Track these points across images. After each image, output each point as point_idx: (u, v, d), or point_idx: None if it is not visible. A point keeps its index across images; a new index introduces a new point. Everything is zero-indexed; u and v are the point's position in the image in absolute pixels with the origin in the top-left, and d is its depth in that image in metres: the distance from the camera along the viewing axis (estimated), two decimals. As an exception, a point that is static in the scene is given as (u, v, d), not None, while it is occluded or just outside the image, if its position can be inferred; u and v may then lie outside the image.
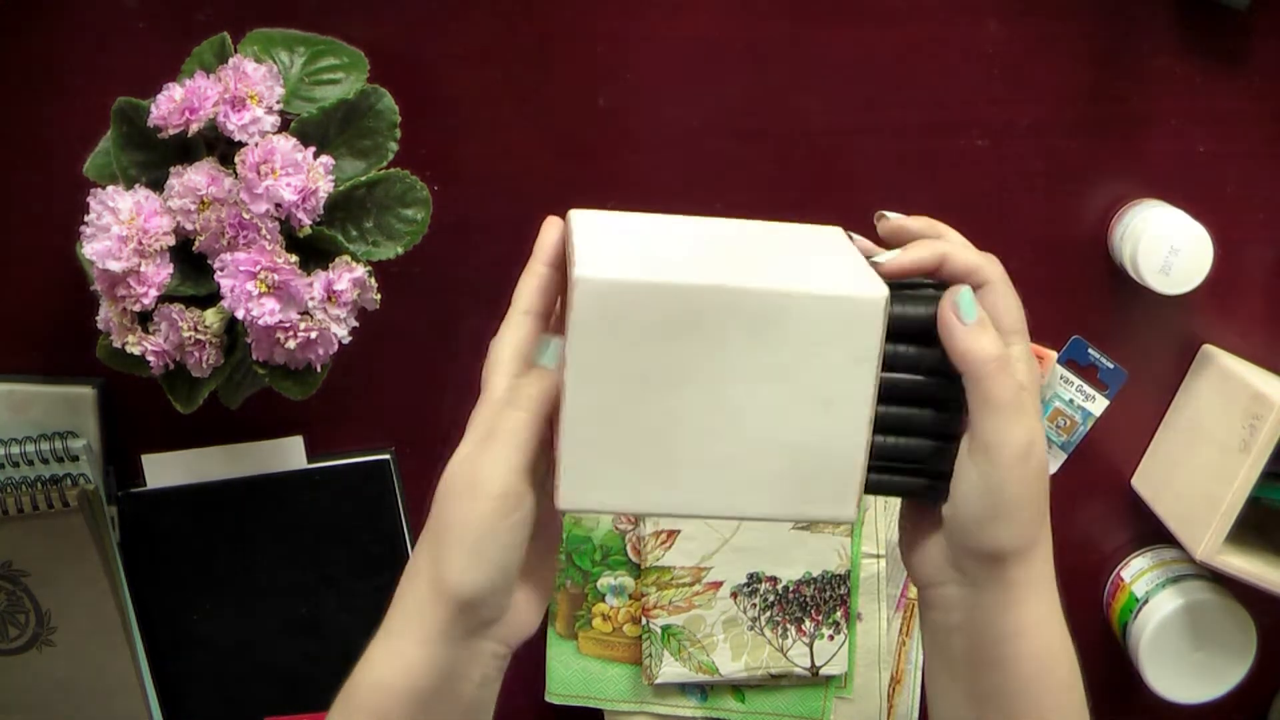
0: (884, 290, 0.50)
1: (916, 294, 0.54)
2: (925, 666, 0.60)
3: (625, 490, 0.47)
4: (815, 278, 0.49)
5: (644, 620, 0.87)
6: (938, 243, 0.56)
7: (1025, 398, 0.52)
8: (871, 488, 0.54)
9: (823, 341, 0.49)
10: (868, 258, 0.55)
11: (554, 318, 0.56)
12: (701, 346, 0.46)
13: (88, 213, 0.67)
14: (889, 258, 0.55)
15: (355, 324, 0.71)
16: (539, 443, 0.50)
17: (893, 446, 0.54)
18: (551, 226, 0.56)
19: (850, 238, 0.58)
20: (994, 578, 0.54)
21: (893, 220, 0.59)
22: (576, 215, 0.54)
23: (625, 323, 0.45)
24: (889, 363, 0.52)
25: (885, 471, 0.54)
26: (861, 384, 0.50)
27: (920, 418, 0.54)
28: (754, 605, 0.87)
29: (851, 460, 0.51)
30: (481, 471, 0.49)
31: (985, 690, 0.56)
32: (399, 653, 0.51)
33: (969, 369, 0.52)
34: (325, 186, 0.68)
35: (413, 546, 0.86)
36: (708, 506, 0.49)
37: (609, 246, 0.48)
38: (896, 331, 0.52)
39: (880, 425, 0.52)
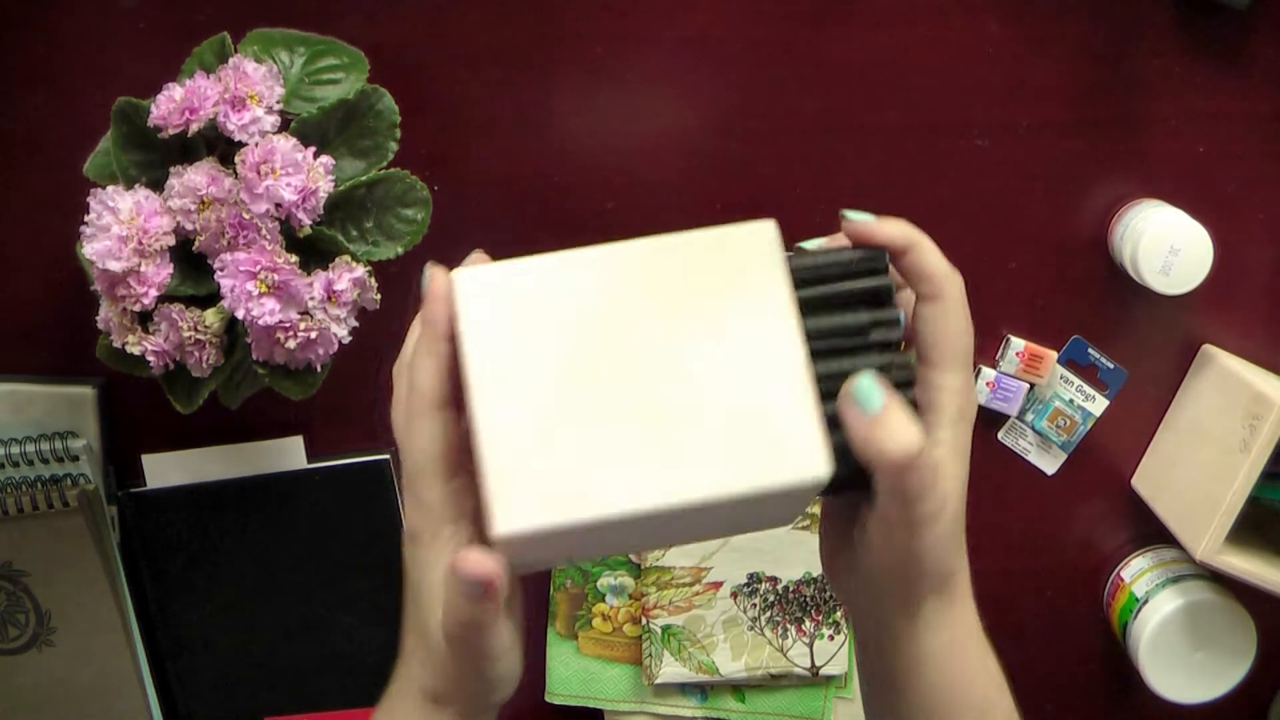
0: (822, 467, 0.42)
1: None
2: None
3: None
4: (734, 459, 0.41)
5: (644, 620, 0.87)
6: (912, 230, 0.50)
7: (948, 506, 0.47)
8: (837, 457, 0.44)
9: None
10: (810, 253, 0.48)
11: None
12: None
13: (88, 213, 0.67)
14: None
15: (355, 324, 0.71)
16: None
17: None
18: (439, 284, 0.46)
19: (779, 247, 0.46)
20: (901, 610, 0.51)
21: (857, 222, 0.50)
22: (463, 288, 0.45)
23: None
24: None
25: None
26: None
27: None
28: (754, 605, 0.87)
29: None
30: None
31: (892, 711, 0.53)
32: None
33: (879, 472, 0.45)
34: (325, 186, 0.68)
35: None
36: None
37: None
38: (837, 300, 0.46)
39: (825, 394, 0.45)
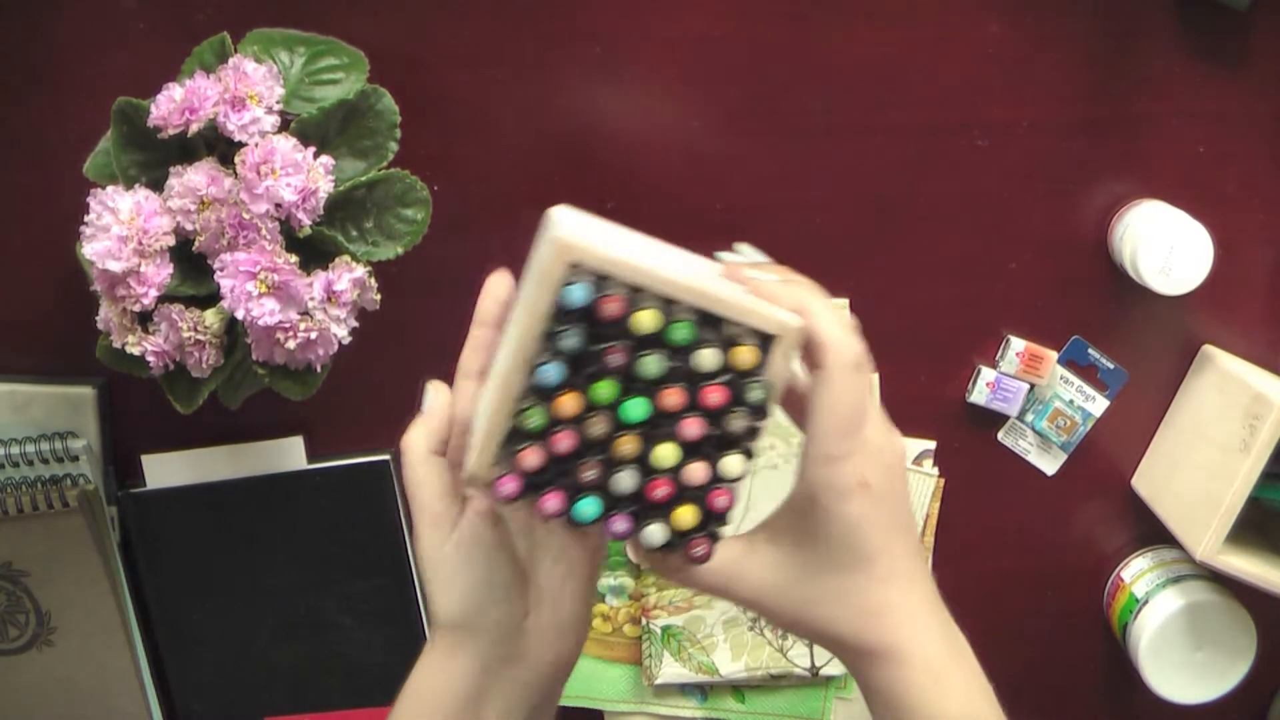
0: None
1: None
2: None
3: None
4: None
5: (644, 620, 0.87)
6: (804, 294, 0.48)
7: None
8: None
9: None
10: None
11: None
12: None
13: (88, 213, 0.67)
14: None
15: (355, 324, 0.71)
16: (445, 472, 0.53)
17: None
18: (498, 284, 0.53)
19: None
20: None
21: (730, 261, 0.50)
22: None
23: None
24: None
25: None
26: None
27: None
28: (754, 605, 0.87)
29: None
30: (414, 504, 0.53)
31: None
32: (427, 666, 0.54)
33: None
34: (325, 186, 0.68)
35: (412, 546, 0.86)
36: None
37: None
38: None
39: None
